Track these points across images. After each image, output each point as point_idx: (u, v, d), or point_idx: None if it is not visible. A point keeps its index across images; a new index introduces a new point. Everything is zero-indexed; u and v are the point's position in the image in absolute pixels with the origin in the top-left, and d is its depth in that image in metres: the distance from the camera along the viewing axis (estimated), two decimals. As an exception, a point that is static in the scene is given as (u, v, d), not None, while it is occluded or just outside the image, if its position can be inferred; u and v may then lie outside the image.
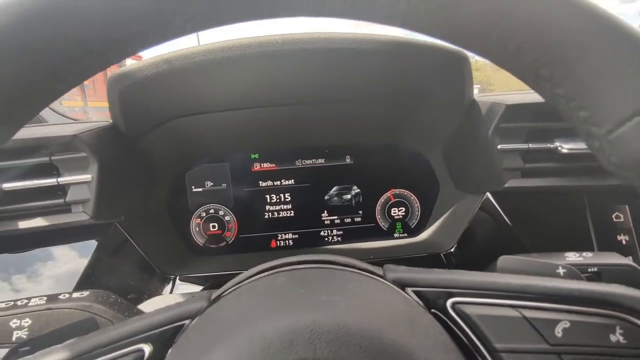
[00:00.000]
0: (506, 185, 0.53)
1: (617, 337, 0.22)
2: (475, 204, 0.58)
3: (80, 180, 0.46)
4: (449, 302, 0.25)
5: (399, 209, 0.69)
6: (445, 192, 0.67)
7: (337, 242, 0.69)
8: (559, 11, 0.18)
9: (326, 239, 0.69)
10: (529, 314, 0.23)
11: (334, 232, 0.69)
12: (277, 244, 0.69)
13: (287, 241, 0.68)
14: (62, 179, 0.46)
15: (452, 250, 0.61)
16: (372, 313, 0.22)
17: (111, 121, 0.51)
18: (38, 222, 0.47)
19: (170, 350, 0.23)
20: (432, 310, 0.25)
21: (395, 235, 0.69)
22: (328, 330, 0.19)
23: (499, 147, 0.51)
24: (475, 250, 0.60)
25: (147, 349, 0.23)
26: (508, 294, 0.24)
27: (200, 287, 0.62)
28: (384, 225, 0.69)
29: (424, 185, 0.68)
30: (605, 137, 0.19)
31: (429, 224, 0.68)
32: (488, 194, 0.58)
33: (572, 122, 0.20)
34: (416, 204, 0.69)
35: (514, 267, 0.33)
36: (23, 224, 0.47)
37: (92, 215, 0.48)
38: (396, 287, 0.26)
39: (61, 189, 0.47)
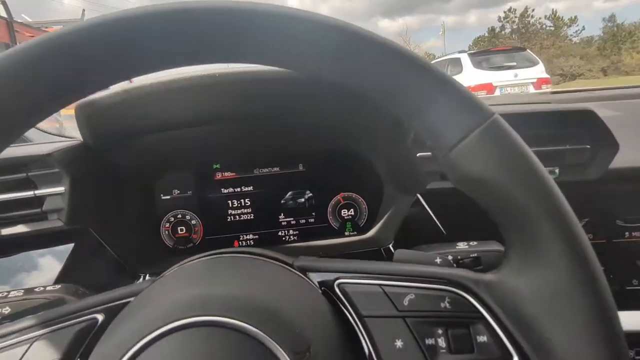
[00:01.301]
0: (428, 187, 0.61)
1: (445, 304, 0.30)
2: (407, 204, 0.67)
3: (54, 192, 0.53)
4: (336, 283, 0.33)
5: (349, 210, 0.77)
6: (388, 194, 0.75)
7: (294, 241, 0.77)
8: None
9: (284, 238, 0.77)
10: (387, 289, 0.31)
11: (291, 232, 0.77)
12: (239, 244, 0.76)
13: (248, 241, 0.76)
14: (39, 192, 0.53)
15: (391, 246, 0.70)
16: (263, 287, 0.30)
17: (82, 139, 0.59)
18: (19, 229, 0.55)
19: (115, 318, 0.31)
20: (323, 288, 0.33)
21: (346, 233, 0.77)
22: (219, 297, 0.27)
23: (418, 155, 0.59)
24: (411, 244, 0.68)
25: (100, 317, 0.30)
26: (376, 276, 0.32)
27: None
28: (335, 225, 0.77)
29: (370, 188, 0.76)
30: (444, 160, 0.27)
31: (375, 223, 0.76)
32: (418, 195, 0.66)
33: (427, 146, 0.28)
34: (364, 205, 0.77)
35: (405, 257, 0.41)
36: (5, 231, 0.54)
37: (65, 222, 0.55)
38: (298, 272, 0.34)
39: (38, 200, 0.55)
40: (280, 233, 0.77)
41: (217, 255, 0.35)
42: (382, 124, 0.65)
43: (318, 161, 0.75)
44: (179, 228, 0.74)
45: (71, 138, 0.60)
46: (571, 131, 0.58)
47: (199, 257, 0.35)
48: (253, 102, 0.57)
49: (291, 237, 0.77)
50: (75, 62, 0.24)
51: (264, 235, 0.76)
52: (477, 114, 0.26)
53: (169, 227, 0.74)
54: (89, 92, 0.27)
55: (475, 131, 0.26)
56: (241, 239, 0.76)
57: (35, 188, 0.54)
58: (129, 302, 0.32)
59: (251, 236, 0.76)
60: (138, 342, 0.24)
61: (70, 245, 0.66)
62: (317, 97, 0.58)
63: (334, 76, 0.27)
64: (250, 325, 0.25)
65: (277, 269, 0.34)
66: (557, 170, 0.57)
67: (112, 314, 0.31)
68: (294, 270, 0.34)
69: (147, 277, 0.68)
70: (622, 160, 0.59)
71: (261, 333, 0.25)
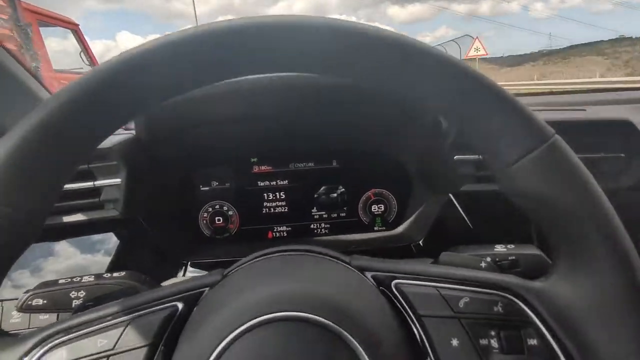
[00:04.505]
0: (463, 188, 0.63)
1: (498, 308, 0.32)
2: (440, 203, 0.69)
3: (112, 184, 0.57)
4: (393, 283, 0.35)
5: (379, 206, 0.80)
6: (418, 192, 0.77)
7: (325, 234, 0.80)
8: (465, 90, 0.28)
9: (315, 231, 0.80)
10: (443, 292, 0.33)
11: (322, 225, 0.80)
12: (273, 235, 0.80)
13: (281, 233, 0.80)
14: (98, 183, 0.57)
15: (420, 242, 0.72)
16: (332, 284, 0.33)
17: (134, 133, 0.62)
18: (78, 217, 0.58)
19: (195, 308, 0.34)
20: (381, 287, 0.36)
21: (375, 228, 0.80)
22: (300, 294, 0.30)
23: (455, 158, 0.61)
24: (439, 241, 0.71)
25: (180, 305, 0.33)
26: (432, 278, 0.35)
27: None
28: (365, 220, 0.80)
29: (400, 185, 0.79)
30: (500, 174, 0.29)
31: (404, 219, 0.79)
32: (450, 195, 0.69)
33: (483, 160, 0.30)
34: (394, 201, 0.80)
35: (451, 260, 0.42)
36: (67, 218, 0.58)
37: (120, 212, 0.59)
38: (357, 271, 0.37)
39: (96, 190, 0.58)
40: (312, 226, 0.80)
41: (284, 253, 0.38)
42: (418, 129, 0.67)
43: (352, 158, 0.78)
44: (216, 218, 0.78)
45: (125, 130, 0.63)
46: (606, 140, 0.59)
47: (267, 254, 0.38)
48: (299, 103, 0.60)
49: (322, 230, 0.80)
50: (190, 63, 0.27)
51: (297, 228, 0.80)
52: (538, 133, 0.28)
53: (207, 217, 0.78)
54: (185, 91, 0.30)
55: (536, 150, 0.28)
56: (275, 230, 0.79)
57: (95, 179, 0.57)
58: (203, 291, 0.35)
59: (284, 228, 0.79)
60: (229, 334, 0.28)
61: (110, 234, 0.70)
62: (359, 103, 0.60)
63: (397, 87, 0.29)
64: (330, 321, 0.28)
65: (340, 268, 0.36)
66: None
67: (189, 302, 0.34)
68: (353, 269, 0.37)
69: (189, 265, 0.72)
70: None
71: (339, 328, 0.28)
